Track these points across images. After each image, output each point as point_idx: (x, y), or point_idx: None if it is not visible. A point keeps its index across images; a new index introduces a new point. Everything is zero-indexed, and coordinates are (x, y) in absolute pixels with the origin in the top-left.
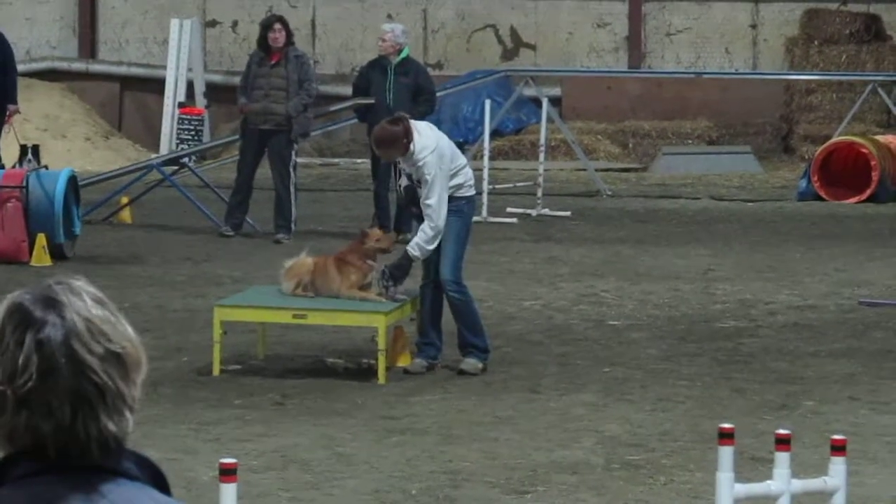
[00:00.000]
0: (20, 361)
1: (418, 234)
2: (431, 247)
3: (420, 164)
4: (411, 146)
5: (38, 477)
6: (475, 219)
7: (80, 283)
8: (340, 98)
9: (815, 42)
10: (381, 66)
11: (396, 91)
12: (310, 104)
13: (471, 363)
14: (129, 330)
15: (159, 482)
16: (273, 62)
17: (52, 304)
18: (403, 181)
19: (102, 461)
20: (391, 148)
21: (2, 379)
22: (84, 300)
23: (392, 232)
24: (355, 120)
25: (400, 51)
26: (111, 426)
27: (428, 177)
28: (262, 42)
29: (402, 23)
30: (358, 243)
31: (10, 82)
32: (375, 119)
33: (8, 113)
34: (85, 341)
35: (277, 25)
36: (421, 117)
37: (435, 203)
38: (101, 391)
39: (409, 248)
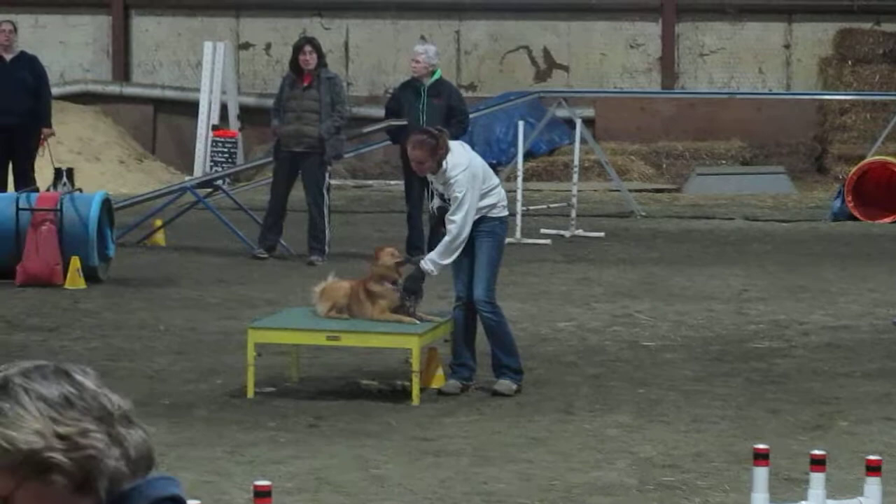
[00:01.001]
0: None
1: (436, 247)
2: (446, 262)
3: (452, 181)
4: (444, 163)
5: None
6: (508, 240)
7: (53, 368)
8: (373, 120)
9: (849, 62)
10: (413, 88)
11: (429, 112)
12: (342, 126)
13: (505, 384)
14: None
15: None
16: (305, 84)
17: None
18: (436, 202)
19: None
20: (425, 151)
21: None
22: (31, 398)
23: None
24: (388, 142)
25: (433, 72)
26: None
27: (458, 194)
28: (294, 64)
29: (434, 44)
30: (372, 269)
31: (44, 105)
32: (405, 141)
33: (42, 136)
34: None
35: (308, 48)
36: (454, 138)
37: (459, 220)
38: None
39: (423, 261)
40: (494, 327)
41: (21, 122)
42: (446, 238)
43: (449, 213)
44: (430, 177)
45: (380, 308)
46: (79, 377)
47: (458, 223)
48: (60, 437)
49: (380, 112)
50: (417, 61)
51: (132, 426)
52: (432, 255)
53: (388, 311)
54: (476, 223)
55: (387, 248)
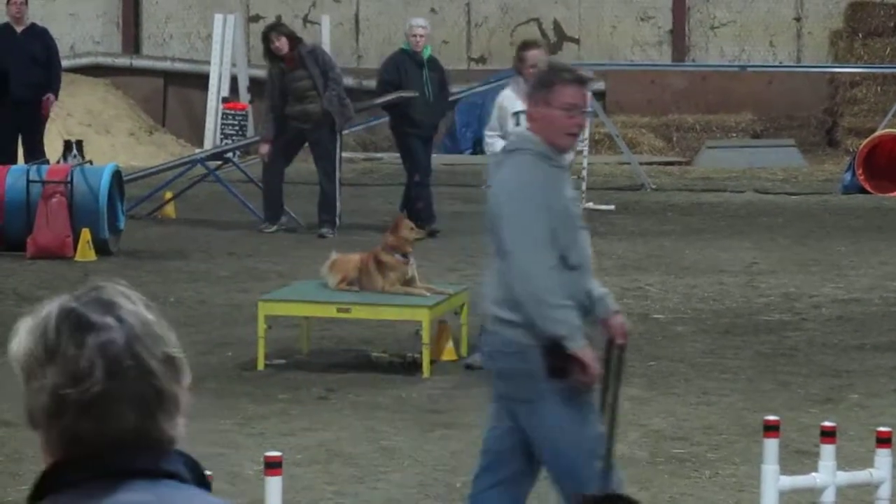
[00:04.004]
0: (82, 365)
1: None
2: None
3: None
4: None
5: (93, 482)
6: None
7: (125, 287)
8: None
9: (860, 35)
10: (415, 61)
11: (432, 85)
12: (341, 91)
13: None
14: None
15: (202, 481)
16: (289, 67)
17: (108, 307)
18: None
19: (158, 465)
20: None
21: (64, 383)
22: (136, 304)
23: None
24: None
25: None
26: (168, 430)
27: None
28: (269, 53)
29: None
30: (388, 239)
31: (55, 77)
32: (416, 112)
33: (45, 99)
34: (146, 345)
35: (273, 35)
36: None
37: None
38: (160, 395)
39: None
40: None
41: (32, 95)
42: None
43: None
44: (512, 99)
45: (390, 281)
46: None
47: None
48: None
49: None
50: (420, 35)
51: None
52: None
53: (399, 283)
54: None
55: (407, 220)
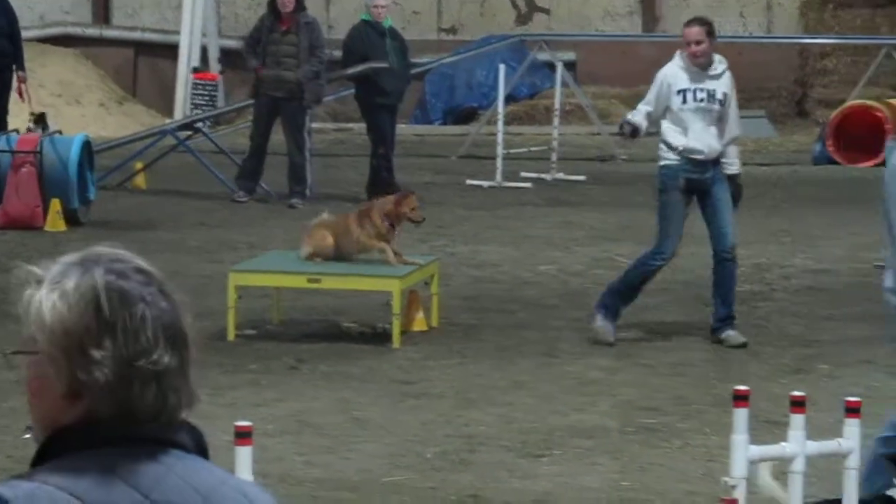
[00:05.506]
0: (148, 336)
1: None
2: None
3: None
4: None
5: (106, 448)
6: (489, 183)
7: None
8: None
9: (830, 6)
10: (378, 31)
11: (395, 54)
12: (321, 70)
13: (733, 335)
14: None
15: (202, 451)
16: (284, 29)
17: (146, 276)
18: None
19: (167, 434)
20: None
21: (134, 355)
22: (156, 273)
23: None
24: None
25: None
26: (184, 399)
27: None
28: (272, 7)
29: None
30: (387, 205)
31: (19, 47)
32: (383, 82)
33: (19, 81)
34: (183, 314)
35: None
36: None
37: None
38: (185, 364)
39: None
40: (735, 275)
41: None
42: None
43: (736, 118)
44: (678, 76)
45: (367, 233)
46: None
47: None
48: None
49: None
50: (382, 5)
51: None
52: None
53: (375, 239)
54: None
55: (413, 196)
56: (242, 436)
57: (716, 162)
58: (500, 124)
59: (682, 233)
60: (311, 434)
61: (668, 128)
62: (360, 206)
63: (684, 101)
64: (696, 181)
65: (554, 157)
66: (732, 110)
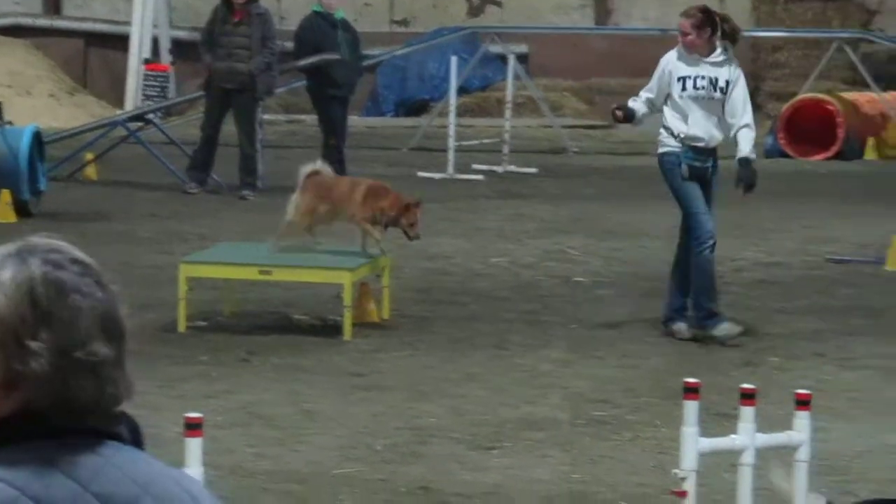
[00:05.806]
0: (83, 326)
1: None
2: None
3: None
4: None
5: (43, 440)
6: (441, 175)
7: (65, 242)
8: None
9: None
10: (330, 22)
11: (347, 46)
12: (273, 62)
13: (725, 328)
14: None
15: (138, 443)
16: (236, 20)
17: (83, 267)
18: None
19: (105, 425)
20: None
21: (70, 346)
22: (92, 264)
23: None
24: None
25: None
26: (122, 390)
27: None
28: None
29: None
30: (400, 208)
31: None
32: (335, 73)
33: None
34: (120, 305)
35: None
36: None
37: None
38: (122, 355)
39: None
40: (714, 267)
41: None
42: (752, 134)
43: (742, 106)
44: (678, 63)
45: (364, 214)
46: None
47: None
48: None
49: None
50: None
51: None
52: (748, 147)
53: (368, 224)
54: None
55: (419, 210)
56: (192, 427)
57: (715, 153)
58: (451, 116)
59: (707, 209)
60: (262, 426)
61: (669, 115)
62: (371, 182)
63: (684, 88)
64: (699, 169)
65: (506, 149)
66: (739, 98)
